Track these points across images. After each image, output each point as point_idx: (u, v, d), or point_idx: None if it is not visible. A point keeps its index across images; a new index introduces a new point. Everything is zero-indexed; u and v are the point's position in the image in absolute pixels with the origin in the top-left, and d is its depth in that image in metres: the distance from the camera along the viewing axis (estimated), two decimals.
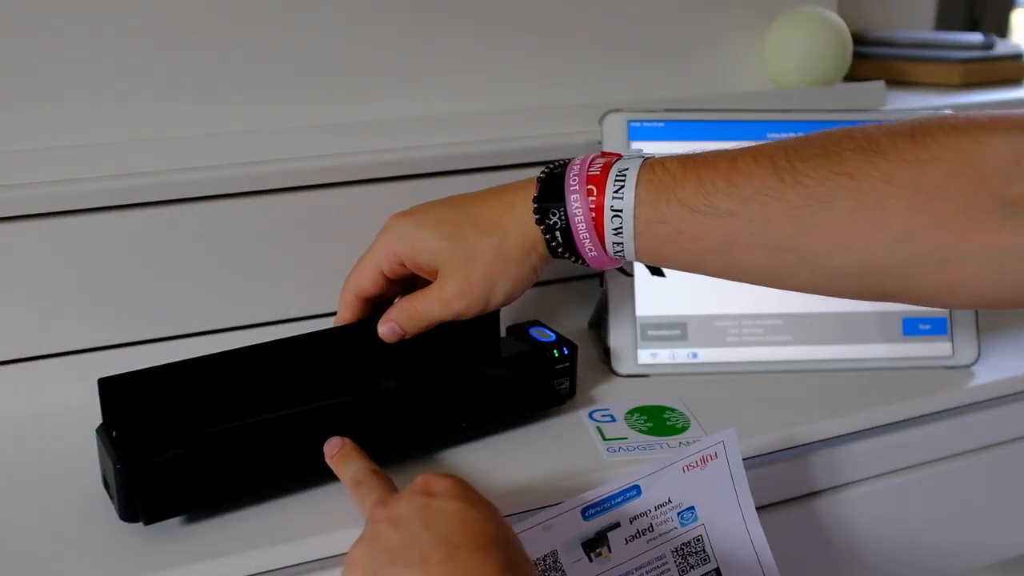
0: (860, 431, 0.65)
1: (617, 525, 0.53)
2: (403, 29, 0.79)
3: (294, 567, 0.52)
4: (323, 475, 0.56)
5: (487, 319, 0.64)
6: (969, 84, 1.04)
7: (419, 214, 0.59)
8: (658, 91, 0.87)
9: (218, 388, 0.55)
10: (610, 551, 0.53)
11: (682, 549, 0.55)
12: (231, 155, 0.70)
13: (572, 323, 0.77)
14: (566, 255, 0.57)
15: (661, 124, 0.74)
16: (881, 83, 0.91)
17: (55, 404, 0.66)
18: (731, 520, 0.56)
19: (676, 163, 0.54)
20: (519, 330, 0.67)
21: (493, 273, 0.57)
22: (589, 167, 0.56)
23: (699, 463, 0.55)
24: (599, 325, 0.74)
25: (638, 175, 0.54)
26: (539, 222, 0.57)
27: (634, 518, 0.54)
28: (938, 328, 0.72)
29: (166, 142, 0.69)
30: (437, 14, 0.80)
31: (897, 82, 1.05)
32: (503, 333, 0.66)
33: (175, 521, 0.53)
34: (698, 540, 0.55)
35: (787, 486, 0.63)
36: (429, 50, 0.80)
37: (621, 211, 0.54)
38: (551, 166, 0.58)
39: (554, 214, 0.56)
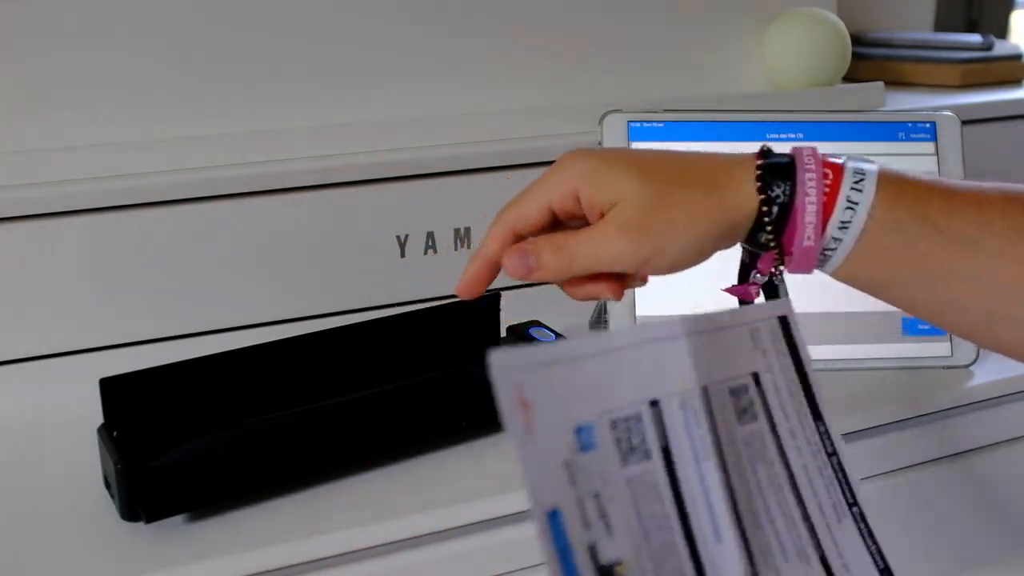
0: (859, 431, 0.65)
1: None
2: (403, 30, 0.79)
3: (294, 567, 0.52)
4: (324, 474, 0.56)
5: (487, 319, 0.64)
6: (968, 85, 1.04)
7: (607, 152, 0.53)
8: (658, 91, 0.87)
9: (219, 388, 0.55)
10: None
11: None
12: (231, 155, 0.70)
13: (572, 323, 0.77)
14: (770, 239, 0.50)
15: (661, 125, 0.74)
16: (880, 84, 0.91)
17: (56, 404, 0.66)
18: None
19: (917, 177, 0.50)
20: (519, 330, 0.67)
21: (679, 226, 0.49)
22: (823, 155, 0.50)
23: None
24: (599, 325, 0.74)
25: (879, 174, 0.49)
26: (761, 190, 0.49)
27: None
28: (937, 328, 0.73)
29: (166, 142, 0.69)
30: (437, 15, 0.80)
31: (896, 83, 1.05)
32: (503, 333, 0.66)
33: (176, 520, 0.53)
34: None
35: None
36: (429, 50, 0.80)
37: (856, 204, 0.48)
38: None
39: (779, 186, 0.49)
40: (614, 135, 0.73)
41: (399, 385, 0.59)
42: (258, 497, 0.55)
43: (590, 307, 0.77)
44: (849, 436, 0.65)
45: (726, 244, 0.51)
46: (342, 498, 0.55)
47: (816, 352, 0.71)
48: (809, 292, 0.72)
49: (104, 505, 0.54)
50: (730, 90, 0.91)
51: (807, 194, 0.49)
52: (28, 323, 0.67)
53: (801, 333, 0.50)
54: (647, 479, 0.39)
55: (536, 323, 0.68)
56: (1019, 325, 0.48)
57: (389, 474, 0.58)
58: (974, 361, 0.72)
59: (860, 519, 0.45)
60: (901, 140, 0.75)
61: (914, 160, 0.75)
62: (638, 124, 0.74)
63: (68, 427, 0.61)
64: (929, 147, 0.75)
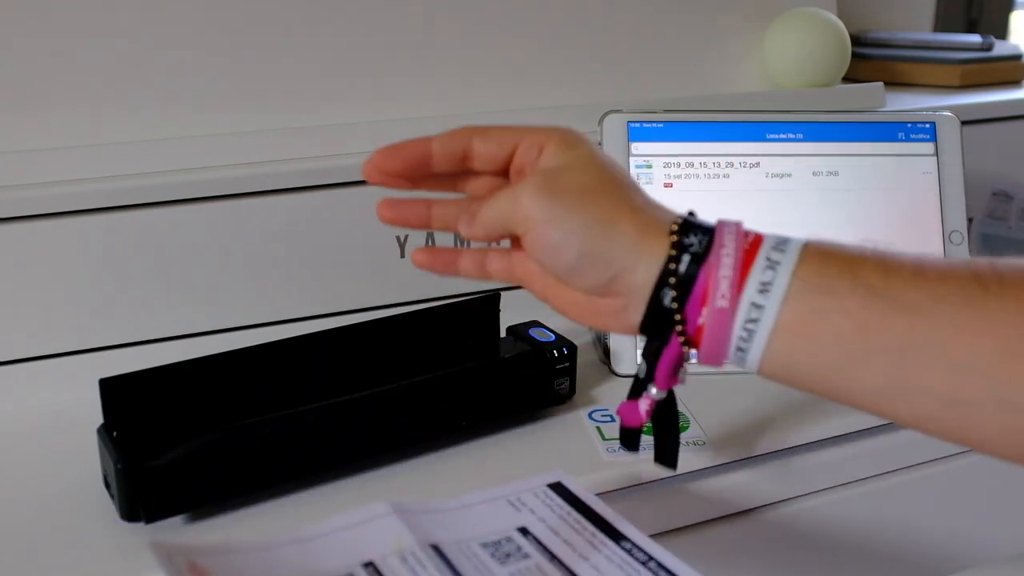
0: (859, 431, 0.65)
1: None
2: (403, 30, 0.79)
3: None
4: (324, 474, 0.56)
5: (487, 319, 0.64)
6: (968, 85, 1.04)
7: (593, 151, 0.50)
8: (657, 92, 0.87)
9: (219, 388, 0.55)
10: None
11: None
12: (231, 155, 0.70)
13: (572, 323, 0.77)
14: (674, 300, 0.44)
15: (660, 125, 0.74)
16: (880, 84, 0.91)
17: (56, 404, 0.66)
18: None
19: (846, 244, 0.44)
20: (519, 330, 0.67)
21: (588, 205, 0.46)
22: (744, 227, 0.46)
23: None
24: None
25: (804, 241, 0.44)
26: (675, 233, 0.45)
27: None
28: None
29: (166, 142, 0.70)
30: (437, 15, 0.80)
31: (896, 83, 1.06)
32: (503, 333, 0.66)
33: (176, 520, 0.53)
34: None
35: (785, 487, 0.63)
36: (429, 51, 0.80)
37: (778, 263, 0.43)
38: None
39: (696, 235, 0.45)
40: (614, 135, 0.73)
41: (399, 385, 0.59)
42: (258, 497, 0.55)
43: None
44: (848, 436, 0.65)
45: (619, 281, 0.46)
46: (341, 498, 0.55)
47: None
48: None
49: (104, 505, 0.54)
50: (730, 90, 0.91)
51: (723, 245, 0.44)
52: (28, 323, 0.67)
53: (579, 488, 0.53)
54: None
55: (536, 323, 0.68)
56: (988, 410, 0.40)
57: (389, 474, 0.58)
58: None
59: None
60: (901, 140, 0.75)
61: (914, 160, 0.75)
62: (638, 124, 0.74)
63: (68, 427, 0.61)
64: (929, 147, 0.75)
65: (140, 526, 0.52)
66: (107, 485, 0.54)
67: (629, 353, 0.71)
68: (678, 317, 0.45)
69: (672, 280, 0.44)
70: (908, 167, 0.75)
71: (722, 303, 0.43)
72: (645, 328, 0.47)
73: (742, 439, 0.62)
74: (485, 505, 0.52)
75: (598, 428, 0.63)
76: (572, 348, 0.65)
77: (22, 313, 0.66)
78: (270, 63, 0.75)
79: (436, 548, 0.47)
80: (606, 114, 0.74)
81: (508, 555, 0.48)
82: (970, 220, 0.94)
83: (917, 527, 0.69)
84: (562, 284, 0.48)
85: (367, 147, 0.74)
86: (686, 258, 0.44)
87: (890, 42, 1.12)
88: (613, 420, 0.64)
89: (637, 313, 0.47)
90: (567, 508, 0.52)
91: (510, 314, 0.67)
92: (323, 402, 0.57)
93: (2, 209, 0.64)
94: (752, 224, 0.46)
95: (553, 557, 0.48)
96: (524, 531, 0.50)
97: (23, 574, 0.50)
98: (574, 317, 0.50)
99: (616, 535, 0.50)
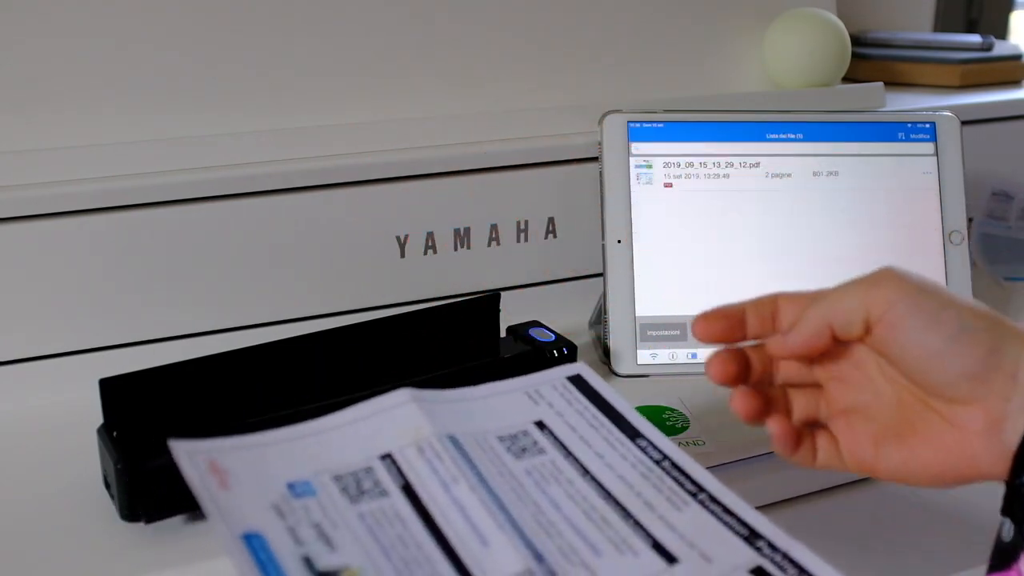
0: None
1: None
2: (403, 30, 0.79)
3: None
4: None
5: (487, 319, 0.64)
6: (968, 85, 1.04)
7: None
8: (657, 92, 0.87)
9: (219, 388, 0.55)
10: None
11: None
12: (231, 155, 0.70)
13: (572, 323, 0.77)
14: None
15: (660, 125, 0.74)
16: (880, 84, 0.91)
17: (55, 404, 0.66)
18: None
19: None
20: (519, 330, 0.67)
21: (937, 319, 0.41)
22: None
23: None
24: (599, 325, 0.74)
25: None
26: None
27: None
28: None
29: (166, 142, 0.70)
30: (437, 15, 0.80)
31: (896, 83, 1.05)
32: (503, 333, 0.66)
33: (176, 520, 0.53)
34: None
35: (786, 486, 0.63)
36: (429, 51, 0.80)
37: None
38: None
39: None
40: (614, 136, 0.73)
41: (399, 385, 0.59)
42: None
43: (590, 307, 0.77)
44: None
45: (999, 370, 0.40)
46: None
47: None
48: None
49: (104, 505, 0.54)
50: (730, 90, 0.91)
51: None
52: (28, 323, 0.67)
53: (598, 382, 0.54)
54: (386, 512, 0.43)
55: (536, 323, 0.68)
56: None
57: None
58: None
59: (710, 502, 0.46)
60: (901, 140, 0.75)
61: (914, 160, 0.75)
62: (638, 124, 0.74)
63: (68, 427, 0.61)
64: (929, 147, 0.75)
65: (140, 526, 0.52)
66: (107, 485, 0.54)
67: (629, 353, 0.71)
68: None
69: None
70: (908, 167, 0.75)
71: None
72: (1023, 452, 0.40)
73: (742, 439, 0.62)
74: (504, 396, 0.52)
75: None
76: (572, 348, 0.65)
77: (22, 313, 0.66)
78: (270, 63, 0.75)
79: (453, 439, 0.47)
80: (606, 114, 0.74)
81: (524, 449, 0.49)
82: (970, 220, 0.94)
83: (919, 528, 0.69)
84: (911, 399, 0.44)
85: (367, 147, 0.74)
86: None
87: (890, 42, 1.12)
88: None
89: (1015, 430, 0.40)
90: (585, 402, 0.52)
91: (510, 314, 0.67)
92: (323, 402, 0.56)
93: (2, 209, 0.64)
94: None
95: (568, 454, 0.49)
96: (541, 425, 0.51)
97: (23, 574, 0.50)
98: (921, 464, 0.44)
99: (633, 433, 0.50)
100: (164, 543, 0.52)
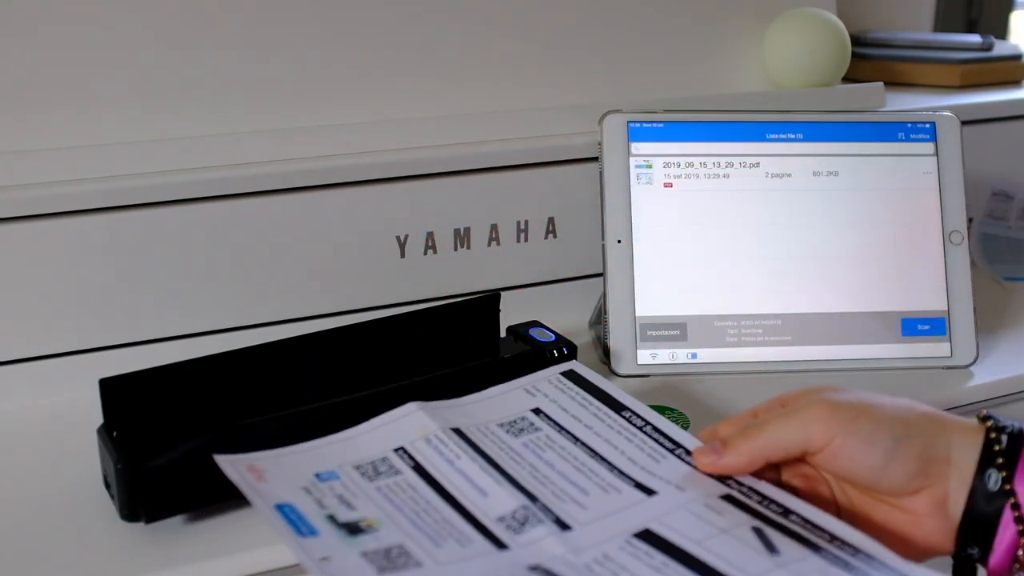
0: None
1: None
2: (403, 30, 0.79)
3: (295, 567, 0.52)
4: None
5: (487, 319, 0.64)
6: (968, 85, 1.04)
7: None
8: (657, 92, 0.87)
9: (219, 388, 0.55)
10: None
11: None
12: (231, 156, 0.70)
13: (572, 323, 0.77)
14: (1002, 478, 0.45)
15: (660, 125, 0.74)
16: (880, 84, 0.91)
17: (55, 404, 0.66)
18: None
19: None
20: (519, 330, 0.67)
21: (876, 415, 0.47)
22: None
23: None
24: (599, 325, 0.74)
25: None
26: (982, 419, 0.46)
27: None
28: (937, 328, 0.73)
29: (166, 142, 0.69)
30: (438, 15, 0.80)
31: (896, 83, 1.05)
32: (503, 333, 0.66)
33: (176, 520, 0.53)
34: None
35: None
36: (429, 51, 0.80)
37: None
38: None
39: (999, 421, 0.46)
40: (614, 136, 0.73)
41: (399, 385, 0.59)
42: None
43: (590, 307, 0.77)
44: None
45: (934, 468, 0.46)
46: None
47: (815, 352, 0.72)
48: (810, 292, 0.73)
49: (104, 505, 0.54)
50: (730, 90, 0.91)
51: None
52: (28, 323, 0.67)
53: (589, 373, 0.61)
54: (400, 484, 0.51)
55: (536, 323, 0.68)
56: None
57: None
58: (974, 361, 0.72)
59: (687, 455, 0.52)
60: (901, 140, 0.75)
61: (914, 160, 0.75)
62: (638, 124, 0.74)
63: (68, 427, 0.61)
64: (929, 147, 0.75)
65: (140, 526, 0.52)
66: (107, 485, 0.54)
67: (629, 353, 0.71)
68: (1007, 490, 0.44)
69: (999, 459, 0.45)
70: (908, 167, 0.75)
71: None
72: (965, 525, 0.46)
73: None
74: (504, 396, 0.59)
75: None
76: (572, 348, 0.65)
77: (22, 313, 0.66)
78: (270, 63, 0.75)
79: (457, 431, 0.54)
80: (606, 114, 0.74)
81: (521, 430, 0.56)
82: (970, 220, 0.94)
83: None
84: (863, 496, 0.49)
85: (367, 147, 0.74)
86: (1004, 438, 0.45)
87: (890, 42, 1.12)
88: None
89: (956, 505, 0.46)
90: (577, 389, 0.59)
91: (510, 314, 0.67)
92: (323, 402, 0.57)
93: (2, 209, 0.64)
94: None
95: (561, 428, 0.56)
96: (537, 411, 0.57)
97: (23, 574, 0.50)
98: (880, 542, 0.47)
99: (618, 407, 0.57)
100: (164, 543, 0.52)
